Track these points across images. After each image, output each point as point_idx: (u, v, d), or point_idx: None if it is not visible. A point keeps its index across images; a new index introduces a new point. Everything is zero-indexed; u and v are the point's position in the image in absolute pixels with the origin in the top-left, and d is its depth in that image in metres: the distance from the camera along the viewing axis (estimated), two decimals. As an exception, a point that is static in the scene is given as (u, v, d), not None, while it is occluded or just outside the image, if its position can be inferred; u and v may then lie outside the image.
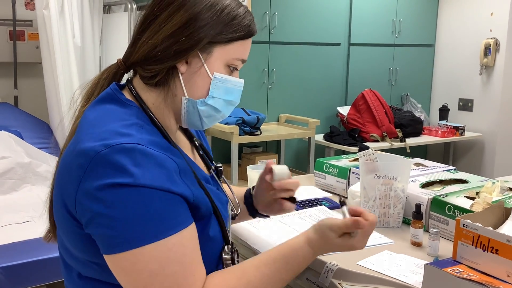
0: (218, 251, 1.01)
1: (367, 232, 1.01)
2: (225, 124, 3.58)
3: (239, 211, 1.20)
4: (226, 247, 1.02)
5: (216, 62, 0.98)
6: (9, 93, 3.92)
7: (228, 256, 1.01)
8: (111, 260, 0.85)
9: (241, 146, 3.89)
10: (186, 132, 1.15)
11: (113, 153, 0.83)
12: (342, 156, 1.82)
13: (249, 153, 3.96)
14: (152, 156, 0.85)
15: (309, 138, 3.90)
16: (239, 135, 3.54)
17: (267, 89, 4.09)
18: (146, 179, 0.83)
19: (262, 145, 4.08)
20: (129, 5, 3.75)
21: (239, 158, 3.82)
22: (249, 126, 3.65)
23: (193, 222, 0.90)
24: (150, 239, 0.83)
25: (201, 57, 0.96)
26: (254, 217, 1.28)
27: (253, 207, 1.26)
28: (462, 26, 4.74)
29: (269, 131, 3.86)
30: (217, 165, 1.16)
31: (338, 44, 4.42)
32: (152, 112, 0.98)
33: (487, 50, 4.48)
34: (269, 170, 1.17)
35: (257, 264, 0.97)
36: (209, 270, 0.93)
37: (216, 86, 0.98)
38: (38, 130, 3.50)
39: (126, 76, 1.06)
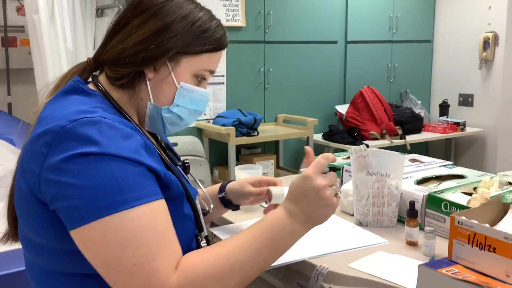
0: (193, 231, 0.98)
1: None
2: (222, 125, 3.53)
3: (211, 207, 1.17)
4: (201, 233, 1.00)
5: (183, 72, 1.00)
6: (3, 100, 3.88)
7: (204, 242, 0.98)
8: (79, 234, 0.80)
9: (239, 148, 3.84)
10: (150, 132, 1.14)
11: (78, 126, 0.82)
12: (335, 154, 1.76)
13: (247, 154, 3.91)
14: (119, 129, 0.85)
15: (308, 137, 3.84)
16: (236, 136, 3.49)
17: (264, 89, 4.03)
18: (114, 148, 0.82)
19: (260, 146, 4.03)
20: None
21: (237, 159, 3.76)
22: (246, 127, 3.59)
23: (163, 199, 0.86)
24: (119, 207, 0.79)
25: (168, 65, 0.99)
26: (227, 208, 1.27)
27: (227, 199, 1.25)
28: (460, 20, 4.68)
29: (267, 131, 3.81)
30: (185, 160, 1.15)
31: (335, 42, 4.36)
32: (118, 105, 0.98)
33: (486, 44, 4.42)
34: (266, 191, 1.18)
35: (240, 243, 0.89)
36: (184, 251, 0.87)
37: (182, 95, 1.01)
38: (31, 136, 3.46)
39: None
